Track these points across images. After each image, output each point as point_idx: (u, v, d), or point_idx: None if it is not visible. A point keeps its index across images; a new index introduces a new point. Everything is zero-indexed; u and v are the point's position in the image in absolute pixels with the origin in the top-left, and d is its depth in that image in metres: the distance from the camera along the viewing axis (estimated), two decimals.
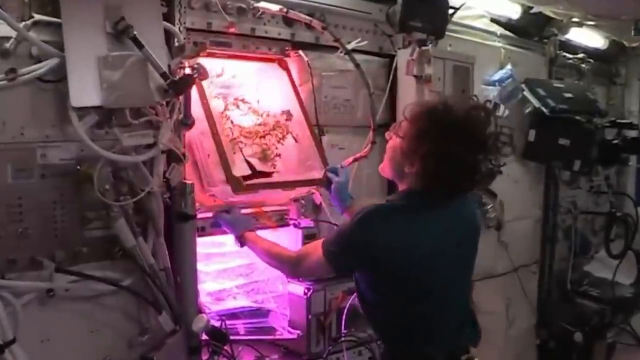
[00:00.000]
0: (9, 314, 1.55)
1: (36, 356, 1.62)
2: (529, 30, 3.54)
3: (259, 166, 2.12)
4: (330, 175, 2.16)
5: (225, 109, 2.14)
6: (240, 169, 2.04)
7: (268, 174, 2.15)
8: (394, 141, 1.77)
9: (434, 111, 1.67)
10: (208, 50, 1.94)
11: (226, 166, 1.95)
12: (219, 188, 1.97)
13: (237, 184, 1.95)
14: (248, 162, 2.10)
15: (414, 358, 1.75)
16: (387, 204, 1.79)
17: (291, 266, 1.89)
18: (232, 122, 2.12)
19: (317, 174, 2.20)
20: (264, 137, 2.17)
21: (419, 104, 1.79)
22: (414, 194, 1.71)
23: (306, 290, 2.15)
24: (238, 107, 2.17)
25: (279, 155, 2.19)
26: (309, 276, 2.06)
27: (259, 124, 2.20)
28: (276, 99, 2.28)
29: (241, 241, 2.01)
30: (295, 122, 2.27)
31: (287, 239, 2.29)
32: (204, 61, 1.86)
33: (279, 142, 2.21)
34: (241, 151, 2.11)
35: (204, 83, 1.97)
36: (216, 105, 2.08)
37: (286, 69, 2.29)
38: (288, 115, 2.26)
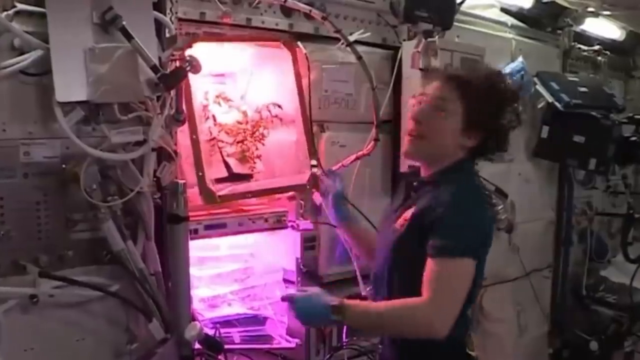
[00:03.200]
0: None
1: None
2: (542, 20, 3.54)
3: (236, 168, 2.13)
4: (326, 181, 2.13)
5: (206, 107, 2.17)
6: (216, 171, 2.06)
7: (245, 176, 2.16)
8: (438, 122, 1.77)
9: (483, 81, 1.80)
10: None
11: (200, 176, 1.96)
12: (193, 190, 1.98)
13: (209, 197, 1.97)
14: (225, 163, 2.12)
15: (457, 347, 1.78)
16: (475, 182, 1.86)
17: (431, 308, 1.55)
18: (214, 118, 2.14)
19: (303, 178, 2.21)
20: (242, 141, 2.20)
21: (454, 77, 1.82)
22: (470, 168, 1.85)
23: None
24: (220, 104, 2.19)
25: (259, 157, 2.23)
26: (457, 309, 1.61)
27: (240, 122, 2.21)
28: (268, 90, 2.28)
29: (337, 317, 1.62)
30: (288, 115, 2.27)
31: (285, 243, 2.30)
32: (198, 47, 1.86)
33: (259, 141, 2.23)
34: (220, 151, 2.12)
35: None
36: (199, 100, 2.11)
37: (293, 51, 2.25)
38: (277, 107, 2.27)
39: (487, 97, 1.77)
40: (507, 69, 3.14)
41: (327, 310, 1.62)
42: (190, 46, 1.86)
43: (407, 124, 1.88)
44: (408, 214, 1.76)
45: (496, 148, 1.85)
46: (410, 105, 1.87)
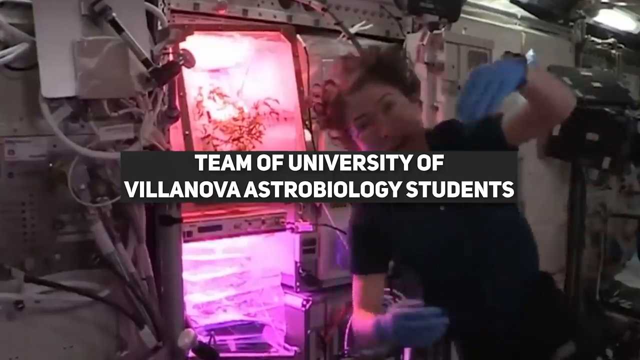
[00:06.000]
0: None
1: None
2: (553, 12, 3.53)
3: None
4: None
5: (200, 103, 2.17)
6: None
7: None
8: (399, 113, 1.69)
9: (381, 52, 1.81)
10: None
11: None
12: None
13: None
14: None
15: None
16: None
17: None
18: (208, 114, 2.14)
19: None
20: (238, 139, 2.21)
21: (369, 70, 1.73)
22: None
23: (304, 302, 2.16)
24: (214, 100, 2.19)
25: None
26: None
27: (236, 118, 2.22)
28: (266, 85, 2.28)
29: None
30: (287, 112, 2.27)
31: (283, 246, 2.29)
32: (192, 40, 1.86)
33: (256, 139, 2.24)
34: (215, 149, 2.13)
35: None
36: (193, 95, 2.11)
37: (293, 42, 2.23)
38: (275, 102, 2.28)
39: (399, 64, 1.79)
40: None
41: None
42: (183, 39, 1.85)
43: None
44: None
45: None
46: (368, 134, 1.67)
